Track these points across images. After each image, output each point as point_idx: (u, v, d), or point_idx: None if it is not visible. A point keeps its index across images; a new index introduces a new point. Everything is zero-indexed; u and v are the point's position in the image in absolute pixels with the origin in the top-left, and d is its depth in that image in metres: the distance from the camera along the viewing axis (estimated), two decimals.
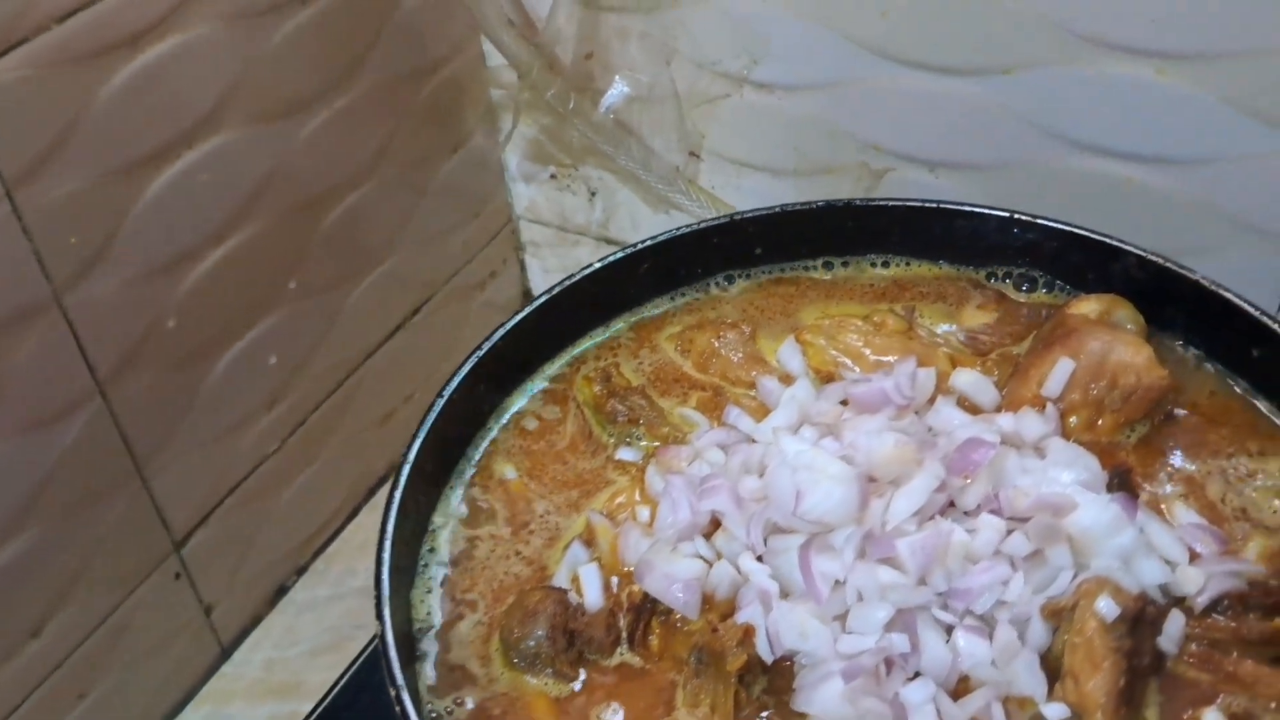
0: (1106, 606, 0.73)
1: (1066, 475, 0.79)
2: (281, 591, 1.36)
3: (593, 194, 1.49)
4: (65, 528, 1.06)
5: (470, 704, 0.77)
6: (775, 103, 1.31)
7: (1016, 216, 1.00)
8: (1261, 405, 0.93)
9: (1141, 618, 0.74)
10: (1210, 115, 1.11)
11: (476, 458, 0.92)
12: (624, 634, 0.79)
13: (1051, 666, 0.75)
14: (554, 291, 0.95)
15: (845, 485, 0.77)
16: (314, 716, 1.09)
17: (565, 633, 0.78)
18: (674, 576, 0.78)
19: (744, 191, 1.39)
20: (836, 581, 0.76)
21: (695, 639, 0.76)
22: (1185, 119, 1.12)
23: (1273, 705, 0.75)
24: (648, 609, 0.79)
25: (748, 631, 0.75)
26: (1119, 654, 0.72)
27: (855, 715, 0.71)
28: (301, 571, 1.38)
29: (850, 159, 1.31)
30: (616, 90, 1.34)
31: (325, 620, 1.34)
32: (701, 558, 0.80)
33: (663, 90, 1.34)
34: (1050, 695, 0.73)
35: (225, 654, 1.31)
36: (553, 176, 1.50)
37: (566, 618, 0.78)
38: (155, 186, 1.06)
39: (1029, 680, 0.73)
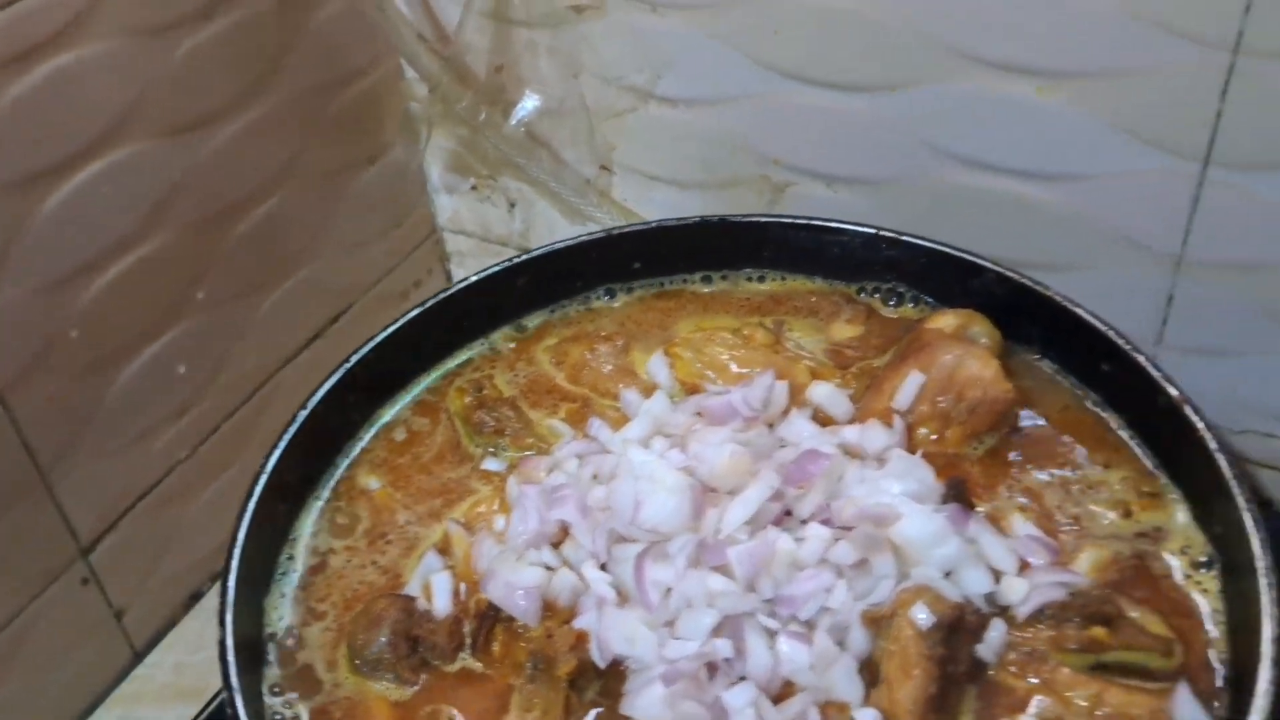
0: (922, 614, 0.75)
1: (897, 486, 0.81)
2: (196, 597, 1.38)
3: (512, 205, 1.52)
4: None
5: (311, 706, 0.79)
6: (679, 117, 1.33)
7: (882, 233, 1.02)
8: (1110, 419, 0.96)
9: (959, 626, 0.76)
10: (1087, 133, 1.13)
11: (344, 467, 0.94)
12: (468, 640, 0.81)
13: (872, 673, 0.77)
14: (428, 304, 0.98)
15: (679, 495, 0.80)
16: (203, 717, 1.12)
17: (408, 639, 0.80)
18: (516, 584, 0.81)
19: (655, 204, 1.41)
20: (670, 589, 0.78)
21: (532, 645, 0.79)
22: (1064, 136, 1.15)
23: (1082, 710, 0.77)
24: (491, 616, 0.82)
25: (580, 637, 0.78)
26: (931, 661, 0.74)
27: (675, 718, 0.73)
28: (216, 578, 1.40)
29: (753, 172, 1.34)
30: (527, 103, 1.37)
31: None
32: (546, 566, 0.83)
33: (572, 103, 1.37)
34: (866, 701, 0.75)
35: (138, 657, 1.32)
36: (473, 188, 1.53)
37: (410, 624, 0.81)
38: (55, 198, 1.08)
39: (846, 686, 0.75)
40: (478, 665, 0.81)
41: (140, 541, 1.29)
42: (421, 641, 0.81)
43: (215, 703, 1.12)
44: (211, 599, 1.39)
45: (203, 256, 1.26)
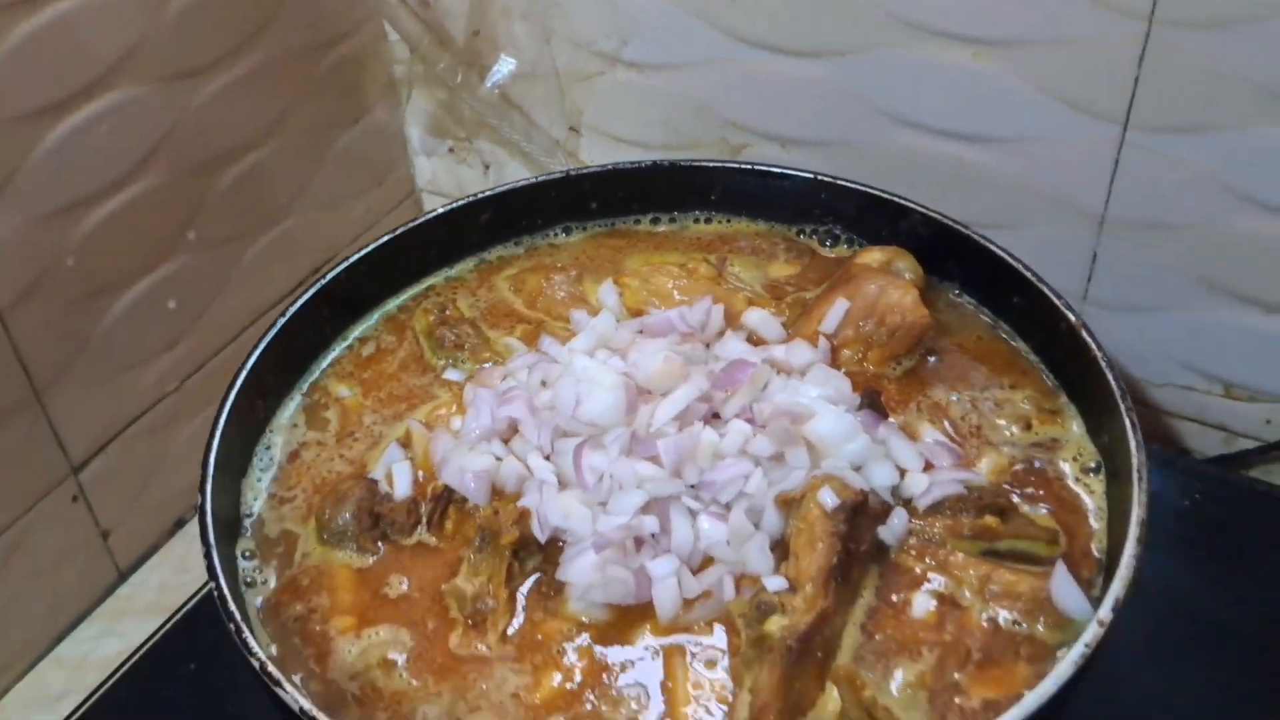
0: (827, 496, 0.84)
1: (814, 391, 0.90)
2: (180, 524, 1.45)
3: (486, 167, 1.61)
4: None
5: (280, 571, 0.88)
6: (644, 81, 1.42)
7: (820, 178, 1.11)
8: (1019, 346, 1.05)
9: (862, 510, 0.85)
10: (1018, 97, 1.22)
11: (316, 374, 1.03)
12: (424, 518, 0.90)
13: (783, 551, 0.86)
14: (398, 231, 1.06)
15: (615, 392, 0.88)
16: (174, 622, 1.19)
17: (371, 514, 0.89)
18: (467, 469, 0.90)
19: None
20: (604, 475, 0.87)
21: (481, 521, 0.88)
22: (999, 101, 1.23)
23: (972, 588, 0.86)
24: (445, 498, 0.90)
25: (523, 514, 0.86)
26: (834, 537, 0.83)
27: (602, 581, 0.82)
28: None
29: (713, 135, 1.42)
30: (502, 66, 1.45)
31: None
32: (496, 456, 0.91)
33: (544, 67, 1.46)
34: (776, 572, 0.84)
35: (122, 577, 1.40)
36: (451, 150, 1.62)
37: (373, 502, 0.90)
38: (56, 133, 1.15)
39: (758, 559, 0.84)
40: (432, 540, 0.90)
41: (129, 466, 1.36)
42: (382, 518, 0.89)
43: (194, 601, 1.20)
44: (196, 525, 1.46)
45: (193, 200, 1.34)
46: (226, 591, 0.80)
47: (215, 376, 1.44)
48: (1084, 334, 0.95)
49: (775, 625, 0.80)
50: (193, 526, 1.47)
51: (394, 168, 1.64)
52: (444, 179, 1.65)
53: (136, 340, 1.32)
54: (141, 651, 1.19)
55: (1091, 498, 0.92)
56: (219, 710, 1.10)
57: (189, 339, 1.39)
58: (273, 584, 0.89)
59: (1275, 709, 1.05)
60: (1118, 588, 0.78)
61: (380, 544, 0.90)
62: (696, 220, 1.17)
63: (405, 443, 0.97)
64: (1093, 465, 0.94)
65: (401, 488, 0.92)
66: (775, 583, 0.82)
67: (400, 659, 0.83)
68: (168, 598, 1.35)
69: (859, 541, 0.84)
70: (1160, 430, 1.37)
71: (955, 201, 1.28)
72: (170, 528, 1.45)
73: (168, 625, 1.20)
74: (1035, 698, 0.73)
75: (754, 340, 1.02)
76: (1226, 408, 1.31)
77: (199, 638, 1.18)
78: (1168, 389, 1.34)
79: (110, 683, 1.16)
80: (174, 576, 1.40)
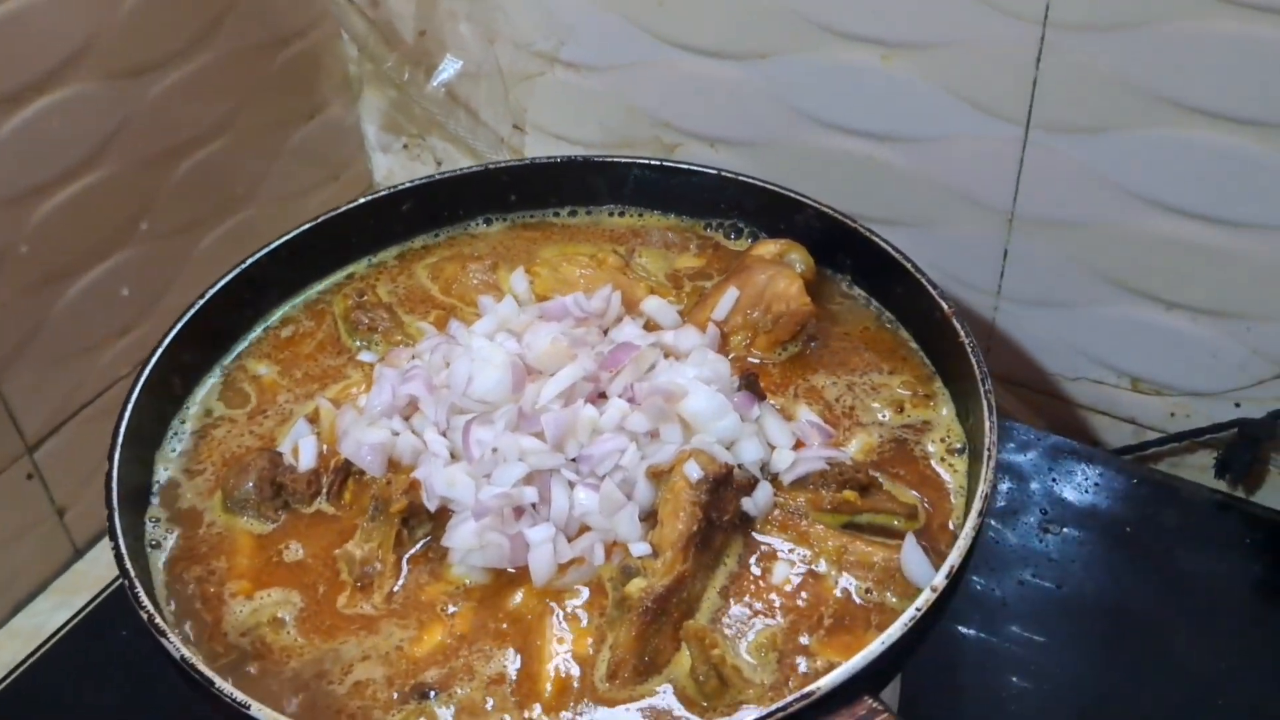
0: (692, 469, 0.89)
1: (691, 372, 0.96)
2: None
3: (439, 163, 1.67)
4: None
5: (183, 534, 0.94)
6: (581, 81, 1.48)
7: (723, 174, 1.17)
8: (902, 334, 1.10)
9: (726, 482, 0.90)
10: (926, 98, 1.27)
11: (234, 354, 1.09)
12: (324, 489, 0.96)
13: (654, 521, 0.91)
14: (319, 219, 1.12)
15: (503, 370, 0.94)
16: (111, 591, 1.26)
17: (272, 484, 0.95)
18: (364, 441, 0.96)
19: None
20: (492, 450, 0.93)
21: (374, 491, 0.94)
22: (906, 101, 1.29)
23: (829, 558, 0.91)
24: (344, 470, 0.96)
25: (414, 484, 0.92)
26: (696, 506, 0.88)
27: (480, 546, 0.88)
28: None
29: (646, 134, 1.48)
30: (448, 66, 1.51)
31: None
32: (394, 431, 0.97)
33: (488, 67, 1.52)
34: (643, 540, 0.90)
35: (79, 554, 1.46)
36: (405, 146, 1.68)
37: (275, 472, 0.96)
38: (9, 125, 1.21)
39: (628, 528, 0.90)
40: (330, 509, 0.96)
41: (83, 448, 1.42)
42: (284, 488, 0.96)
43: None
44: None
45: (147, 192, 1.40)
46: (124, 549, 0.86)
47: None
48: (954, 321, 1.01)
49: (635, 587, 0.85)
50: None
51: (351, 163, 1.70)
52: (400, 174, 1.71)
53: (90, 326, 1.38)
54: (81, 617, 1.25)
55: (954, 476, 0.98)
56: (151, 671, 1.15)
57: (142, 326, 1.44)
58: (174, 549, 0.95)
59: (1166, 690, 1.10)
60: (954, 556, 0.84)
61: (281, 513, 0.96)
62: (611, 214, 1.23)
63: (313, 419, 1.03)
64: (958, 446, 1.00)
65: (306, 460, 0.98)
66: (640, 548, 0.88)
67: (289, 617, 0.89)
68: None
69: (722, 511, 0.90)
70: (1074, 423, 1.42)
71: (872, 200, 1.34)
72: None
73: (105, 593, 1.25)
74: (863, 657, 0.78)
75: (650, 327, 1.08)
76: (1135, 401, 1.36)
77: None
78: (1080, 383, 1.39)
79: (47, 648, 1.22)
80: None
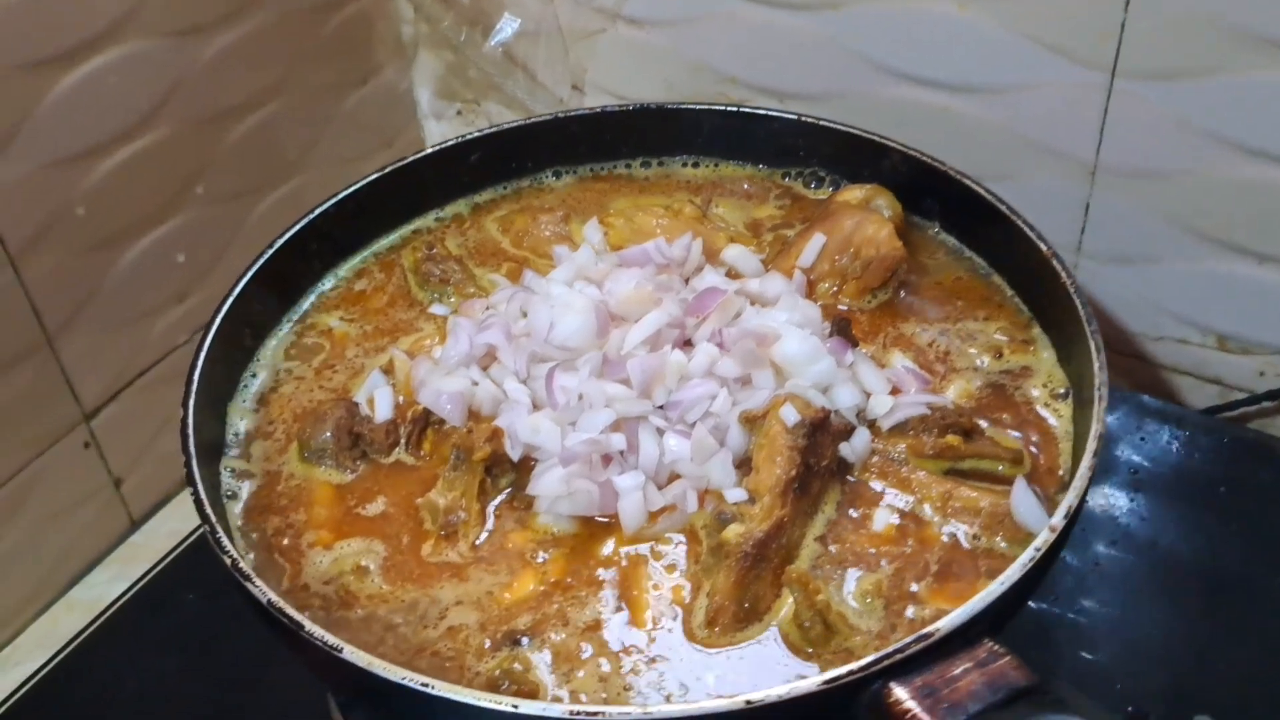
0: (789, 413, 0.86)
1: (783, 316, 0.92)
2: None
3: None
4: None
5: (261, 486, 0.91)
6: (645, 38, 1.44)
7: (803, 119, 1.13)
8: (995, 280, 1.06)
9: (824, 427, 0.87)
10: (1005, 46, 1.23)
11: (305, 307, 1.06)
12: (402, 439, 0.93)
13: (747, 468, 0.88)
14: (387, 169, 1.09)
15: (586, 316, 0.91)
16: (175, 556, 1.23)
17: (350, 434, 0.92)
18: (443, 390, 0.92)
19: None
20: (578, 396, 0.89)
21: (455, 440, 0.90)
22: (984, 50, 1.25)
23: (933, 504, 0.87)
24: (423, 420, 0.93)
25: (496, 432, 0.89)
26: (794, 451, 0.84)
27: (568, 493, 0.85)
28: None
29: (711, 91, 1.44)
30: (506, 24, 1.48)
31: None
32: (473, 380, 0.94)
33: (548, 25, 1.48)
34: (737, 486, 0.86)
35: (135, 525, 1.43)
36: (459, 113, 1.64)
37: (353, 422, 0.93)
38: (64, 84, 1.19)
39: (721, 474, 0.86)
40: (410, 459, 0.93)
41: (139, 416, 1.39)
42: (362, 437, 0.92)
43: (194, 537, 1.23)
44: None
45: (201, 154, 1.37)
46: (204, 496, 0.83)
47: None
48: (1055, 263, 0.97)
49: (733, 533, 0.81)
50: None
51: (404, 130, 1.66)
52: None
53: (146, 291, 1.36)
54: (138, 587, 1.22)
55: (1059, 421, 0.94)
56: (215, 643, 1.13)
57: (197, 293, 1.42)
58: (252, 498, 0.91)
59: (1255, 652, 1.05)
60: (1071, 497, 0.80)
61: (359, 463, 0.93)
62: (684, 164, 1.19)
63: (388, 370, 1.00)
64: (1061, 391, 0.96)
65: (382, 411, 0.94)
66: (736, 494, 0.84)
67: (373, 565, 0.86)
68: (181, 545, 1.38)
69: (819, 457, 0.86)
70: (1157, 385, 1.37)
71: (948, 153, 1.28)
72: (181, 480, 1.46)
73: (163, 564, 1.23)
74: (982, 598, 0.74)
75: (732, 275, 1.04)
76: (1221, 360, 1.31)
77: (197, 576, 1.21)
78: (1163, 342, 1.35)
79: (106, 615, 1.19)
80: (184, 525, 1.42)
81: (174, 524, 1.44)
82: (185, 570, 1.22)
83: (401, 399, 0.96)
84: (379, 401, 0.95)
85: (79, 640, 1.18)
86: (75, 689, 1.14)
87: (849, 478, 0.89)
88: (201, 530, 1.28)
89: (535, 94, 1.52)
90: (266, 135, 1.43)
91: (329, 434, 0.91)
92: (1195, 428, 1.27)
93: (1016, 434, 0.93)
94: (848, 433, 0.88)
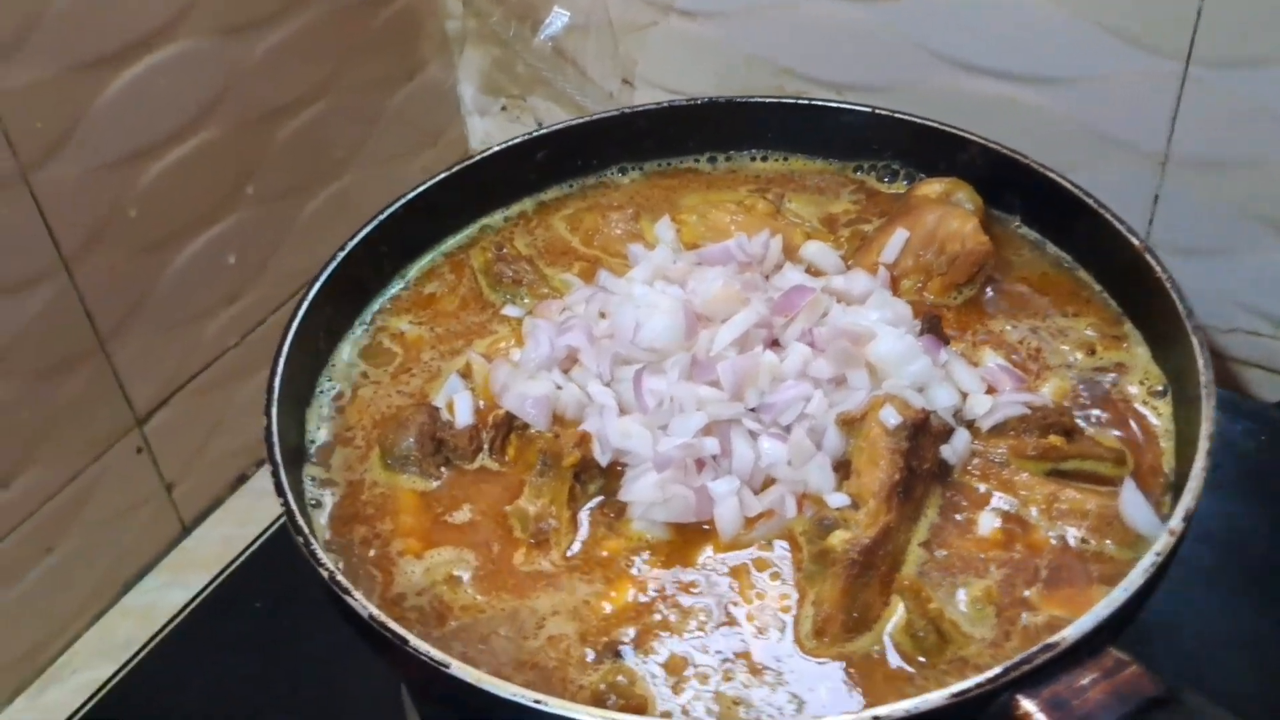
0: (889, 415, 0.83)
1: (874, 315, 0.90)
2: (242, 479, 1.47)
3: (540, 124, 1.61)
4: (31, 390, 1.17)
5: (344, 498, 0.89)
6: (698, 30, 1.42)
7: (878, 112, 1.10)
8: (1082, 275, 1.04)
9: (925, 429, 0.84)
10: (1074, 35, 1.21)
11: (375, 309, 1.04)
12: (486, 444, 0.90)
13: (845, 471, 0.85)
14: (454, 169, 1.07)
15: (674, 316, 0.88)
16: (239, 564, 1.21)
17: (433, 440, 0.90)
18: (527, 394, 0.90)
19: None
20: (667, 399, 0.87)
21: (542, 445, 0.88)
22: (1052, 39, 1.22)
23: (1039, 507, 0.85)
24: (506, 425, 0.91)
25: (584, 437, 0.87)
26: (897, 454, 0.82)
27: (663, 499, 0.82)
28: (262, 463, 1.48)
29: (767, 84, 1.42)
30: (555, 18, 1.46)
31: None
32: (556, 384, 0.92)
33: (598, 19, 1.46)
34: (837, 490, 0.84)
35: (187, 530, 1.42)
36: (504, 109, 1.62)
37: (435, 428, 0.90)
38: (117, 84, 1.17)
39: (821, 478, 0.84)
40: (494, 465, 0.91)
41: (191, 419, 1.38)
42: (445, 443, 0.90)
43: (259, 542, 1.21)
44: (259, 481, 1.48)
45: (251, 154, 1.35)
46: (294, 506, 0.80)
47: (274, 333, 1.44)
48: (1148, 257, 0.94)
49: (838, 539, 0.79)
50: (255, 482, 1.48)
51: (448, 127, 1.64)
52: (498, 138, 1.63)
53: (197, 293, 1.34)
54: (203, 596, 1.20)
55: (1159, 419, 0.91)
56: (283, 649, 1.11)
57: (248, 294, 1.40)
58: (336, 507, 0.89)
59: None
60: (1188, 499, 0.77)
61: (443, 469, 0.90)
62: (753, 158, 1.16)
63: (465, 374, 0.97)
64: (1159, 389, 0.93)
65: (463, 416, 0.92)
66: (838, 499, 0.82)
67: (465, 575, 0.84)
68: (230, 551, 1.36)
69: (921, 460, 0.84)
70: (1227, 378, 1.35)
71: (1011, 144, 1.27)
72: (233, 482, 1.46)
73: (228, 571, 1.21)
74: (1106, 605, 0.72)
75: (812, 272, 1.02)
76: None
77: (261, 583, 1.20)
78: (1234, 335, 1.32)
79: (173, 625, 1.17)
80: (237, 530, 1.42)
81: (226, 529, 1.43)
82: (250, 576, 1.20)
83: (481, 403, 0.94)
84: (459, 406, 0.92)
85: (145, 649, 1.16)
86: (142, 699, 1.13)
87: (950, 480, 0.86)
88: (264, 536, 1.29)
89: (585, 89, 1.49)
90: (315, 133, 1.42)
91: (412, 440, 0.89)
92: (1267, 421, 1.25)
93: (1116, 433, 0.90)
94: (947, 434, 0.86)
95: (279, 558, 1.18)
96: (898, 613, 0.79)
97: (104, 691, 1.14)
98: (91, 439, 1.27)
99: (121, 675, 1.16)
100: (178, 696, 1.12)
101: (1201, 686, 1.02)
